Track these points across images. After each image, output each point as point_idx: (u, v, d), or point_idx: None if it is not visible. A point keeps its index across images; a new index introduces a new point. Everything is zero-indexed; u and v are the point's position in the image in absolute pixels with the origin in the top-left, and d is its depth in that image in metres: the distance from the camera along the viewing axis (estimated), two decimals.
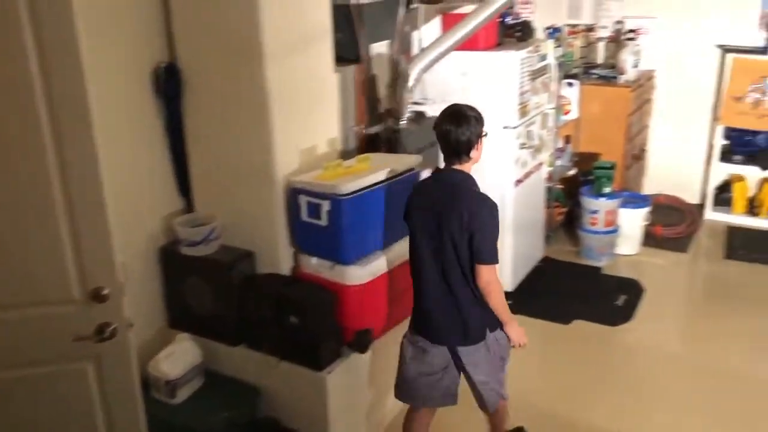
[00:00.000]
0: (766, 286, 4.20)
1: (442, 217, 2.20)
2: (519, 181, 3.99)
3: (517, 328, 2.35)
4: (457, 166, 2.26)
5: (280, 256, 2.72)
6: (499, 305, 2.26)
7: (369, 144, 3.05)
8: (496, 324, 2.31)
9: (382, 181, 2.66)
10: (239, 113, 2.58)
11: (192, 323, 2.76)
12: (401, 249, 2.78)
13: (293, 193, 2.61)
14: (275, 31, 2.46)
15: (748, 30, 4.99)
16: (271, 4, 2.43)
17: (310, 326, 2.53)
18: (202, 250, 2.68)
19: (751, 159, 5.02)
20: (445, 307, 2.28)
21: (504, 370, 2.41)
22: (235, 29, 2.46)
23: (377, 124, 3.11)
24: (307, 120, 2.70)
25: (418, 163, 2.85)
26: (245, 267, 2.70)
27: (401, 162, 2.78)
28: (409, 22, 3.26)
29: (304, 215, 2.59)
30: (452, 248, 2.20)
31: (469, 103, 2.29)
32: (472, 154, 2.25)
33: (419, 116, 3.23)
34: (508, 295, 3.77)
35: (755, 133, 4.98)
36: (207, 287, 2.69)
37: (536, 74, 4.01)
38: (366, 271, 2.65)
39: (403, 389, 2.44)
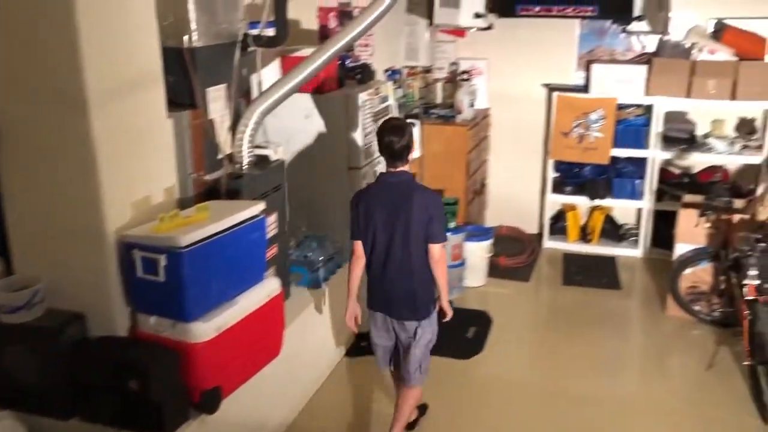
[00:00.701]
0: (600, 309, 4.68)
1: (404, 208, 2.87)
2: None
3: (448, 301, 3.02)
4: (401, 168, 2.93)
5: (115, 317, 2.61)
6: (445, 276, 2.96)
7: (209, 192, 3.03)
8: (435, 304, 3.01)
9: (224, 231, 2.65)
10: (62, 166, 2.47)
11: (15, 399, 2.58)
12: (253, 298, 2.79)
13: (126, 249, 2.53)
14: (100, 77, 2.41)
15: (569, 71, 5.63)
16: (94, 49, 2.38)
17: (151, 390, 2.44)
18: (25, 316, 2.52)
19: (580, 189, 5.59)
20: (402, 288, 2.94)
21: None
22: (55, 76, 2.38)
23: (217, 170, 3.10)
24: (139, 169, 2.64)
25: (261, 210, 2.88)
26: (75, 331, 2.56)
27: (244, 209, 2.80)
28: (247, 65, 3.31)
29: (140, 271, 2.51)
30: (413, 234, 2.87)
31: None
32: (410, 156, 2.94)
33: (262, 160, 3.27)
34: (362, 336, 3.88)
35: (582, 165, 5.57)
36: (32, 357, 2.52)
37: (378, 115, 4.21)
38: (212, 327, 2.61)
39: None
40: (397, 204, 2.88)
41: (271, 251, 3.22)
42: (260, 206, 2.87)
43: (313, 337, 3.64)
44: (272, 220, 3.25)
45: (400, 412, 3.08)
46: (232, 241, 2.67)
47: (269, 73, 3.59)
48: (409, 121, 4.60)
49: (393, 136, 2.87)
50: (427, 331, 3.00)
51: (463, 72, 5.66)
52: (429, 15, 5.20)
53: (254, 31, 3.22)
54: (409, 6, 5.38)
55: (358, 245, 3.00)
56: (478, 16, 5.05)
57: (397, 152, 2.88)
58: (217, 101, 3.07)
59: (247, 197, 3.04)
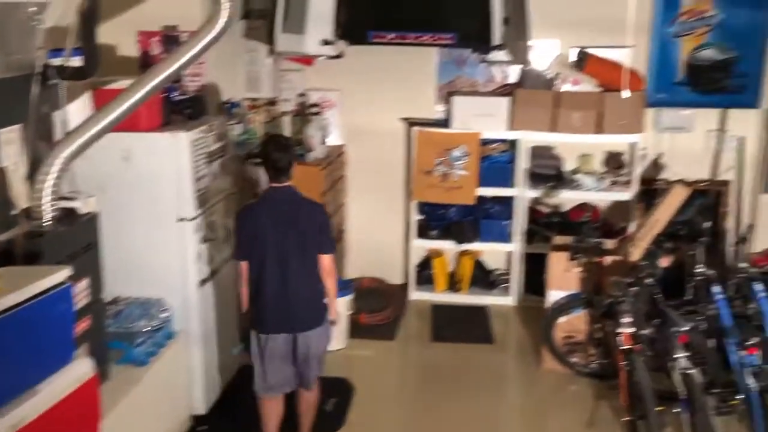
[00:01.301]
0: (473, 366, 4.87)
1: (296, 221, 3.45)
2: (204, 281, 4.07)
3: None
4: (286, 183, 3.52)
5: None
6: (336, 287, 3.62)
7: (1, 256, 2.86)
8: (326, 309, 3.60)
9: (18, 305, 2.51)
10: None
11: None
12: (58, 384, 2.64)
13: None
14: None
15: (428, 103, 5.90)
16: None
17: None
18: None
19: (446, 233, 5.83)
20: (304, 297, 3.50)
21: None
22: None
23: (10, 228, 2.94)
24: None
25: (67, 276, 2.75)
26: None
27: (44, 276, 2.66)
28: (48, 101, 3.19)
29: None
30: (308, 245, 3.46)
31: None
32: (293, 172, 3.53)
33: (68, 215, 3.14)
34: (201, 419, 3.77)
35: (447, 206, 5.82)
36: None
37: (213, 156, 4.19)
38: (5, 424, 2.44)
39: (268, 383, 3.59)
40: (288, 217, 3.45)
41: (82, 325, 3.09)
42: (65, 272, 2.74)
43: (140, 427, 3.49)
44: (82, 287, 3.12)
45: (307, 416, 3.74)
46: (29, 317, 2.53)
47: (77, 110, 3.48)
48: (251, 161, 4.69)
49: (278, 153, 3.46)
50: (326, 335, 3.64)
51: (313, 104, 5.76)
52: (270, 41, 5.27)
53: (57, 61, 3.12)
54: (247, 30, 5.43)
55: (245, 266, 3.49)
56: (326, 43, 5.19)
57: (283, 168, 3.47)
58: (9, 145, 2.93)
59: (49, 261, 2.91)
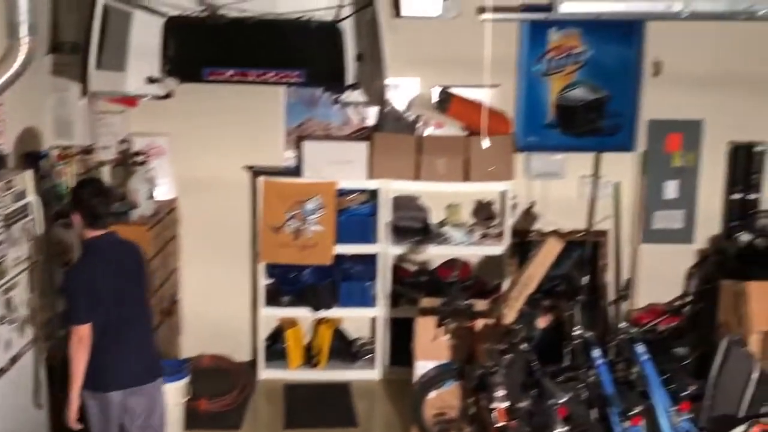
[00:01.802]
0: None
1: (130, 265, 3.87)
2: (2, 371, 3.85)
3: None
4: (108, 230, 3.79)
5: None
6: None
7: None
8: None
9: None
10: None
11: None
12: None
13: None
14: None
15: (276, 149, 5.91)
16: None
17: None
18: None
19: (300, 299, 5.79)
20: (151, 340, 4.03)
21: None
22: None
23: None
24: None
25: None
26: None
27: None
28: None
29: None
30: (143, 288, 3.93)
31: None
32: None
33: None
34: None
35: (301, 268, 5.79)
36: None
37: (12, 219, 4.00)
38: None
39: None
40: (123, 264, 3.80)
41: None
42: None
43: None
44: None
45: None
46: None
47: None
48: (62, 222, 4.50)
49: (96, 198, 3.69)
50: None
51: (138, 152, 5.63)
52: (84, 79, 5.10)
53: None
54: (55, 67, 5.25)
55: (87, 329, 3.59)
56: (152, 81, 5.11)
57: (103, 214, 3.71)
58: None
59: None
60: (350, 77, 5.44)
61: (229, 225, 5.93)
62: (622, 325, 4.52)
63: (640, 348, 4.34)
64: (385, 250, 5.73)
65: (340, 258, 5.75)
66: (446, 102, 5.77)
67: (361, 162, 5.63)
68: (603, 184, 6.02)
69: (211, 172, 5.85)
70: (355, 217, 5.74)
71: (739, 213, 6.03)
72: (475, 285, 5.82)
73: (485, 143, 4.96)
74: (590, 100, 5.94)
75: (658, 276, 6.04)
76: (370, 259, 5.77)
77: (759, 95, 5.90)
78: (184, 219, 5.93)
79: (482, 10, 5.53)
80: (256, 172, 5.80)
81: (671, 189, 6.05)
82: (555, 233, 5.65)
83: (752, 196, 6.03)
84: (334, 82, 5.50)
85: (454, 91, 5.79)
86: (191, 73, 5.40)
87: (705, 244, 6.12)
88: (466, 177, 5.63)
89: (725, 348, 4.61)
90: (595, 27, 5.80)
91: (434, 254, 5.89)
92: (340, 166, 5.63)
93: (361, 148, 5.65)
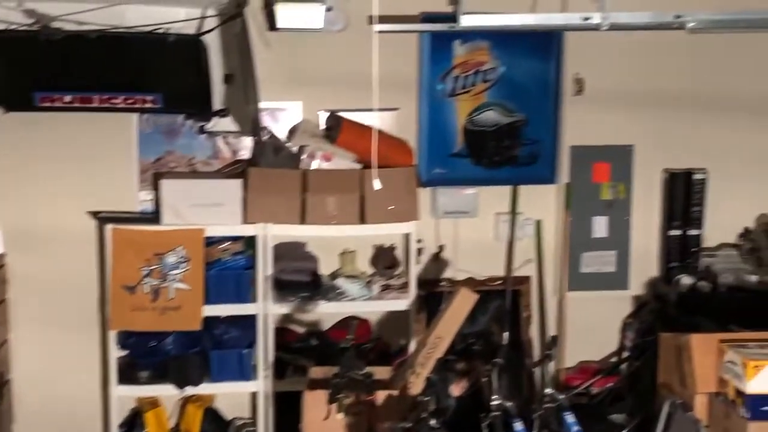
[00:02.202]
0: None
1: None
2: None
3: None
4: None
5: None
6: None
7: None
8: None
9: None
10: None
11: None
12: None
13: None
14: None
15: (127, 190, 5.62)
16: None
17: None
18: None
19: (162, 374, 5.44)
20: None
21: None
22: None
23: None
24: None
25: None
26: None
27: None
28: None
29: None
30: None
31: None
32: None
33: None
34: None
35: (162, 335, 5.45)
36: None
37: None
38: None
39: None
40: None
41: None
42: None
43: None
44: None
45: None
46: None
47: None
48: None
49: None
50: None
51: None
52: None
53: None
54: None
55: None
56: None
57: None
58: None
59: None
60: (218, 101, 5.26)
61: (72, 285, 5.62)
62: (548, 390, 4.45)
63: (570, 417, 4.31)
64: (266, 309, 5.46)
65: (210, 321, 5.46)
66: (336, 129, 5.59)
67: (234, 203, 5.39)
68: (522, 222, 5.93)
69: (47, 221, 5.57)
70: (228, 270, 5.47)
71: (679, 252, 5.97)
72: (375, 348, 5.66)
73: (376, 184, 4.75)
74: (503, 124, 5.84)
75: (590, 329, 5.96)
76: (247, 322, 5.49)
77: (696, 115, 5.91)
78: (14, 279, 5.61)
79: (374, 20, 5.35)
80: (103, 218, 5.51)
81: (600, 226, 5.99)
82: (469, 282, 5.62)
83: (693, 232, 5.98)
84: (198, 107, 5.32)
85: (344, 116, 5.62)
86: (19, 100, 5.19)
87: (642, 289, 6.08)
88: (362, 218, 5.44)
89: (668, 413, 4.63)
90: (505, 39, 5.69)
91: (326, 312, 5.66)
92: (209, 209, 5.37)
93: (233, 186, 5.41)
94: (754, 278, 5.77)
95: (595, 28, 4.09)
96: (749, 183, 6.00)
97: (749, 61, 5.88)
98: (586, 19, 3.99)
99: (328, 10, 4.81)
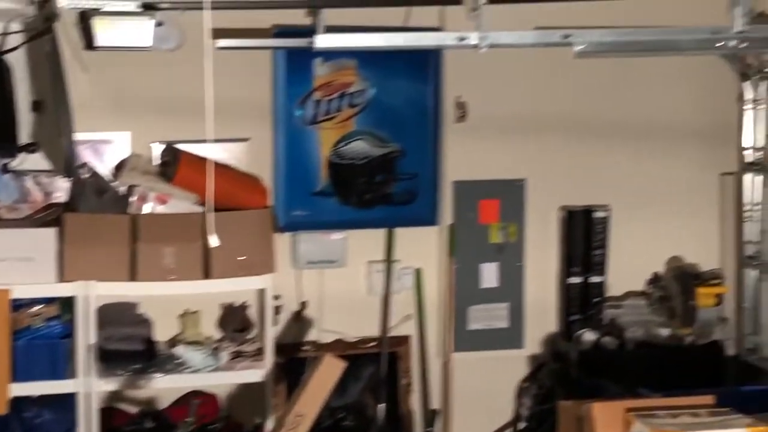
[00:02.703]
0: None
1: None
2: None
3: None
4: None
5: None
6: None
7: None
8: None
9: None
10: None
11: None
12: None
13: None
14: None
15: None
16: None
17: None
18: None
19: None
20: None
21: None
22: None
23: None
24: None
25: None
26: None
27: None
28: None
29: None
30: None
31: None
32: None
33: None
34: None
35: None
36: None
37: None
38: None
39: None
40: None
41: None
42: None
43: None
44: None
45: None
46: None
47: None
48: None
49: None
50: None
51: None
52: None
53: None
54: None
55: None
56: None
57: None
58: None
59: None
60: (25, 134, 5.22)
61: None
62: None
63: None
64: (88, 386, 5.25)
65: (20, 403, 5.24)
66: (172, 165, 5.44)
67: (47, 257, 5.20)
68: (399, 271, 5.91)
69: None
70: (40, 340, 5.26)
71: (580, 303, 6.03)
72: (224, 429, 5.54)
73: (213, 241, 4.59)
74: (375, 156, 5.81)
75: (480, 396, 5.96)
76: (66, 402, 5.30)
77: (595, 144, 6.00)
78: None
79: (218, 34, 5.24)
80: None
81: (490, 274, 6.01)
82: (337, 345, 5.63)
83: (596, 279, 6.04)
84: (1, 141, 5.18)
85: (182, 149, 5.50)
86: None
87: (539, 347, 6.11)
88: (207, 272, 5.31)
89: None
90: (375, 57, 5.65)
91: (164, 388, 5.48)
92: (15, 265, 5.17)
93: (46, 236, 5.21)
94: (665, 332, 5.88)
95: (473, 49, 4.07)
96: (658, 221, 6.11)
97: (654, 83, 6.02)
98: (462, 39, 3.92)
99: (159, 25, 4.63)
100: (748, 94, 5.96)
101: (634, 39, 3.96)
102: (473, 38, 3.89)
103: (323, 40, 4.26)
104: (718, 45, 3.86)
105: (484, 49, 3.86)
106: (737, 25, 3.79)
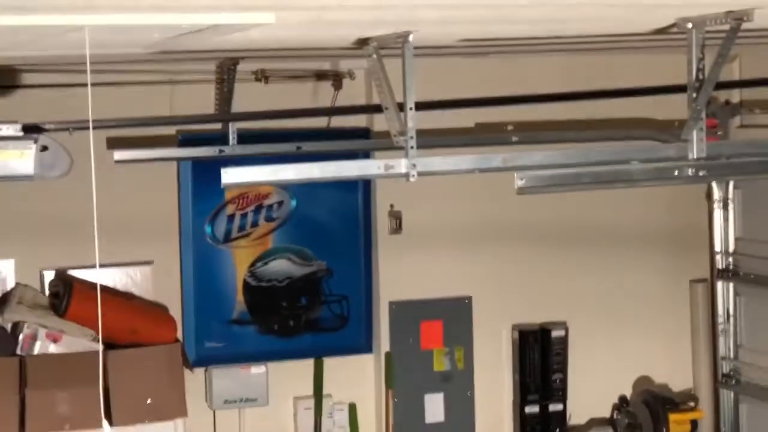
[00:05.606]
0: None
1: None
2: None
3: None
4: None
5: None
6: None
7: None
8: None
9: None
10: None
11: None
12: None
13: None
14: None
15: None
16: None
17: None
18: None
19: None
20: None
21: None
22: None
23: None
24: None
25: None
26: None
27: None
28: None
29: None
30: None
31: None
32: None
33: None
34: None
35: None
36: None
37: None
38: None
39: None
40: None
41: None
42: None
43: None
44: None
45: None
46: None
47: None
48: None
49: None
50: None
51: None
52: None
53: None
54: None
55: None
56: None
57: None
58: None
59: None
60: None
61: None
62: None
63: None
64: None
65: None
66: (65, 297, 5.39)
67: None
68: (331, 408, 5.88)
69: None
70: None
71: None
72: None
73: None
74: (298, 276, 5.87)
75: None
76: None
77: (548, 254, 6.07)
78: None
79: (116, 143, 5.25)
80: None
81: (436, 407, 6.00)
82: None
83: (555, 407, 6.07)
84: None
85: (76, 276, 5.51)
86: None
87: None
88: (109, 419, 5.19)
89: None
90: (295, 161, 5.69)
91: None
92: None
93: None
94: None
95: (403, 177, 4.03)
96: (622, 337, 6.16)
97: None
98: (389, 168, 3.93)
99: (43, 149, 4.60)
100: (717, 193, 5.94)
101: (582, 171, 3.94)
102: (402, 166, 3.88)
103: (231, 175, 4.23)
104: (675, 174, 3.74)
105: (414, 178, 3.85)
106: (696, 149, 3.60)
